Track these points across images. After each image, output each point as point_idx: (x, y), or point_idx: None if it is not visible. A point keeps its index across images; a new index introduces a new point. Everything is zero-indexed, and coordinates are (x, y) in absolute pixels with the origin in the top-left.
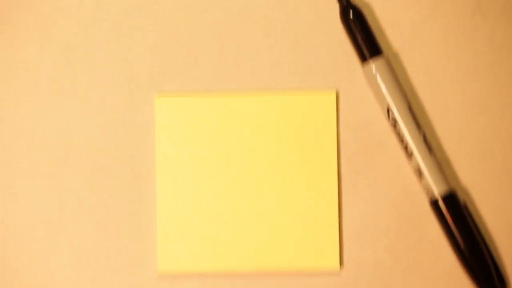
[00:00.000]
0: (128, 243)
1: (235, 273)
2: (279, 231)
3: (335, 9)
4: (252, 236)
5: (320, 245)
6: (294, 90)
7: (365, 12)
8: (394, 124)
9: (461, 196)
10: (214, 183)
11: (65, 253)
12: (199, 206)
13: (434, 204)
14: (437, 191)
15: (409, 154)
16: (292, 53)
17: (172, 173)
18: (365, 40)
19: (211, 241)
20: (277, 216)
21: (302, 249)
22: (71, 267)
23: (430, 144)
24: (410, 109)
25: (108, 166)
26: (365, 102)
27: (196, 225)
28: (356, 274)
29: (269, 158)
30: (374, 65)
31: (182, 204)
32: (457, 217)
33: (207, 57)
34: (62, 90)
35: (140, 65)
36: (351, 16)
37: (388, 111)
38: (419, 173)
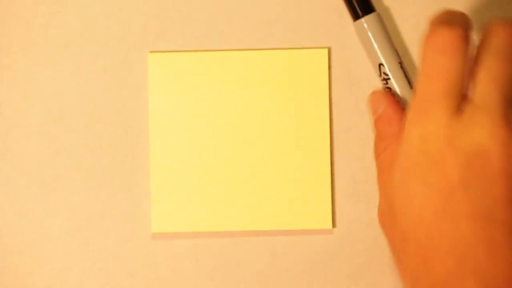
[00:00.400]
0: (122, 202)
1: (228, 233)
2: (271, 189)
3: None
4: (245, 196)
5: (312, 203)
6: (287, 48)
7: None
8: (386, 81)
9: None
10: (207, 140)
11: (59, 213)
12: (192, 165)
13: None
14: None
15: None
16: (284, 12)
17: (166, 132)
18: None
19: (204, 200)
20: (269, 173)
21: (294, 208)
22: (65, 227)
23: None
24: (401, 65)
25: (101, 125)
26: (357, 59)
27: (189, 185)
28: (348, 232)
29: (261, 115)
30: (365, 21)
31: (175, 163)
32: None
33: (200, 17)
34: (56, 47)
35: (134, 25)
36: None
37: (379, 67)
38: None
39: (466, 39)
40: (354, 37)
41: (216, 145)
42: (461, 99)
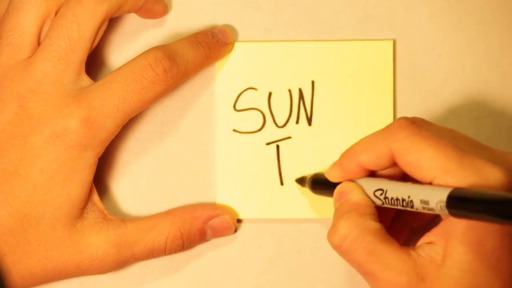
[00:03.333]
0: (188, 188)
1: (291, 220)
2: None
3: None
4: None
5: None
6: (352, 39)
7: None
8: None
9: None
10: (271, 128)
11: (127, 197)
12: (257, 153)
13: None
14: None
15: None
16: (350, 3)
17: (232, 119)
18: None
19: (268, 188)
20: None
21: None
22: (132, 211)
23: None
24: None
25: (169, 113)
26: (421, 51)
27: (253, 173)
28: None
29: (325, 106)
30: None
31: (241, 150)
32: None
33: (266, 8)
34: (129, 36)
35: (200, 16)
36: None
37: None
38: None
39: None
40: (419, 29)
41: (280, 133)
42: None
